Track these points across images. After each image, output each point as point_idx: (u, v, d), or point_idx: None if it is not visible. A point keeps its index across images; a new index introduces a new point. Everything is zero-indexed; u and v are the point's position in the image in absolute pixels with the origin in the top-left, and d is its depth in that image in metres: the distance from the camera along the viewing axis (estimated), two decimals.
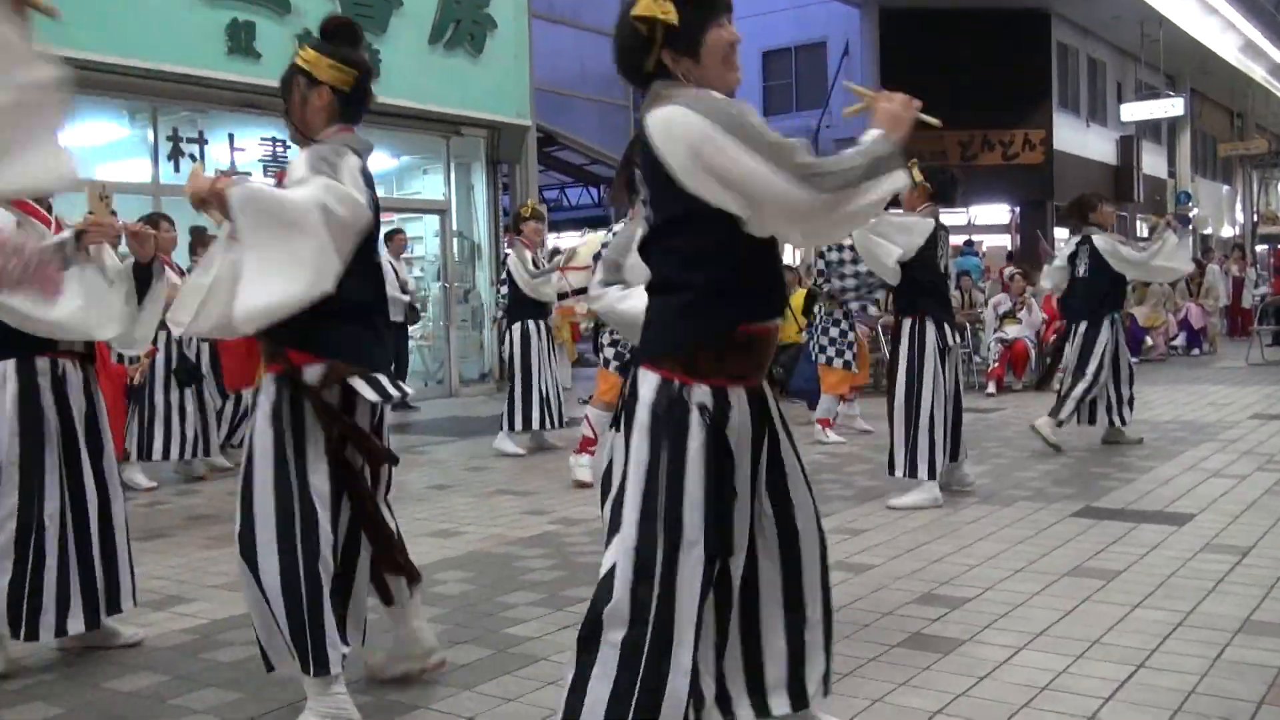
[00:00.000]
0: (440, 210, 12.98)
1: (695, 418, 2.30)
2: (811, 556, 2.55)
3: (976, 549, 4.94)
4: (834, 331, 8.66)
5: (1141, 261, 7.56)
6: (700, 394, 2.31)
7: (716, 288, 2.30)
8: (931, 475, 5.88)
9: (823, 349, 8.79)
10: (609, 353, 6.73)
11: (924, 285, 5.99)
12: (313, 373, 2.94)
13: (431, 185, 13.09)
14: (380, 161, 12.11)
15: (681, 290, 2.31)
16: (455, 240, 13.16)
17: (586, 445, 6.86)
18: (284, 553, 2.91)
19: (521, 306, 8.22)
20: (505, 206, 13.79)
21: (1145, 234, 17.92)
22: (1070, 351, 7.76)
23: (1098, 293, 7.63)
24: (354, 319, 2.97)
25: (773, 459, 2.53)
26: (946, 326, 6.01)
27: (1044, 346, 11.96)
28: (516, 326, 8.31)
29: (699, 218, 2.27)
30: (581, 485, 6.75)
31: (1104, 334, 7.61)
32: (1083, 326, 7.69)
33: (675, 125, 2.26)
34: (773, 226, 2.29)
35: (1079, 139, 25.34)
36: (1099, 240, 7.61)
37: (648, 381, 2.34)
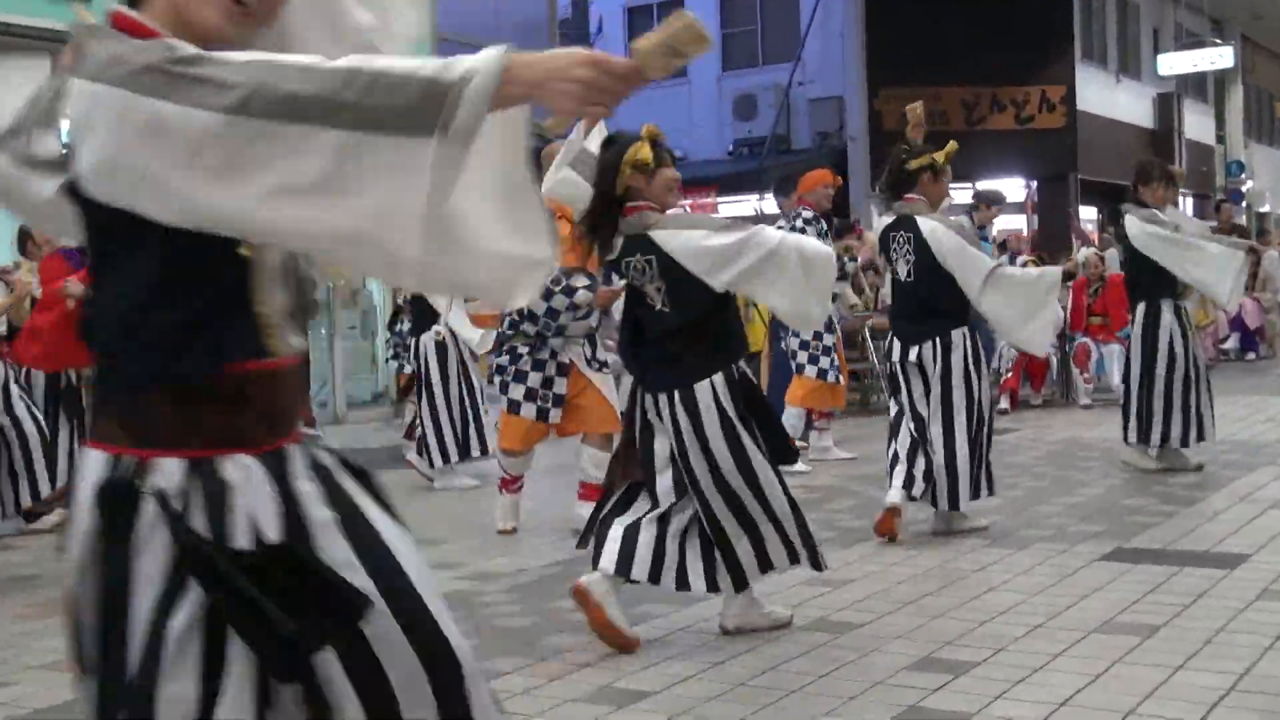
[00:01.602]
0: None
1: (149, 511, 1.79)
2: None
3: (986, 602, 5.01)
4: (805, 332, 8.74)
5: (1170, 242, 7.61)
6: (161, 473, 1.82)
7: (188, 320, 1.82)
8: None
9: (792, 354, 8.88)
10: (517, 392, 6.56)
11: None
12: None
13: None
14: None
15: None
16: None
17: (506, 485, 6.92)
18: None
19: (432, 310, 8.21)
20: None
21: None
22: (1133, 347, 7.92)
23: (1149, 273, 7.76)
24: None
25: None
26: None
27: (1066, 349, 12.13)
28: (427, 335, 8.31)
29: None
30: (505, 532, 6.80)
31: (1167, 318, 7.75)
32: (1140, 310, 7.85)
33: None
34: None
35: (1108, 97, 25.71)
36: (1129, 221, 7.75)
37: (87, 464, 1.85)
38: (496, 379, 6.68)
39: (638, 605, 5.09)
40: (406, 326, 8.92)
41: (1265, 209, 35.62)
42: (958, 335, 6.27)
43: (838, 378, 8.86)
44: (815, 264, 4.63)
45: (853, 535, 6.37)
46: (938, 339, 6.27)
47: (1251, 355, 16.34)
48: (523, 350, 6.54)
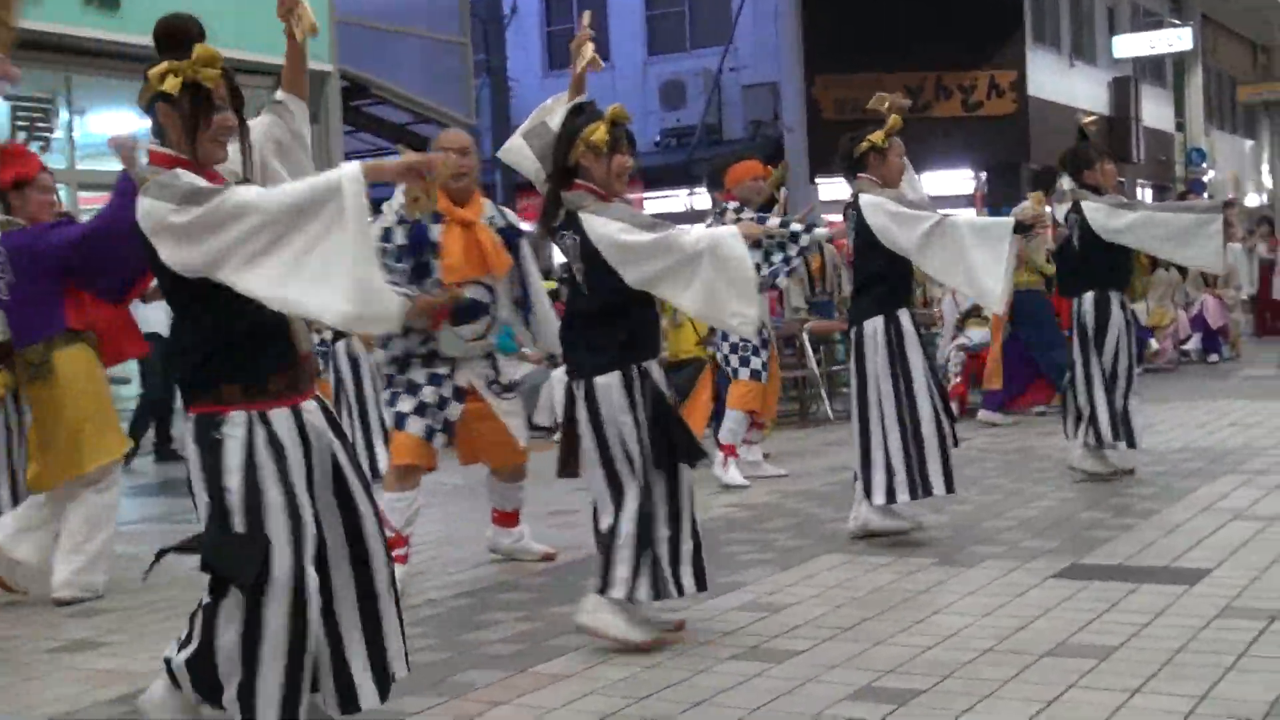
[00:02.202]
0: None
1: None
2: None
3: (932, 625, 5.04)
4: (735, 334, 8.80)
5: (1143, 224, 7.71)
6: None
7: None
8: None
9: (724, 358, 9.00)
10: (406, 405, 6.09)
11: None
12: None
13: None
14: (125, 121, 11.88)
15: None
16: None
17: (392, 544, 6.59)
18: None
19: None
20: None
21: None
22: (1075, 341, 8.05)
23: (1101, 264, 7.91)
24: None
25: None
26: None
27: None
28: (342, 345, 8.28)
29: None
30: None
31: (1117, 314, 7.92)
32: (1089, 301, 7.96)
33: None
34: None
35: (1061, 83, 26.06)
36: (1088, 208, 7.86)
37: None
38: (387, 392, 6.34)
39: (558, 636, 5.09)
40: (329, 334, 8.92)
41: (1228, 199, 36.10)
42: (871, 325, 6.51)
43: (764, 378, 8.94)
44: (730, 264, 4.68)
45: (791, 556, 6.40)
46: (854, 330, 6.65)
47: (1214, 357, 16.58)
48: (416, 365, 6.13)
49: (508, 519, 6.67)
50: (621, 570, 4.81)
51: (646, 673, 4.63)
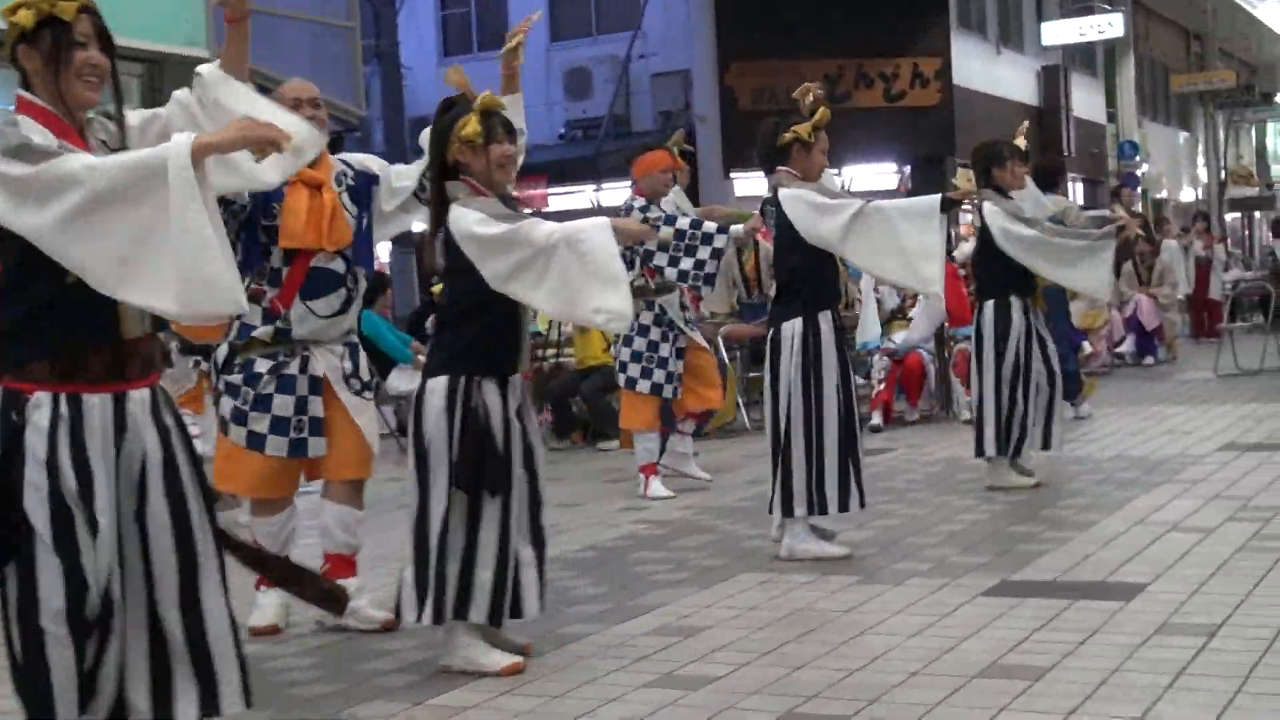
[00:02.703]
0: None
1: None
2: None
3: (856, 647, 5.08)
4: (639, 341, 8.79)
5: (1033, 244, 7.94)
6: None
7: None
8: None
9: (622, 365, 8.88)
10: (259, 422, 5.52)
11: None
12: None
13: None
14: None
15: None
16: None
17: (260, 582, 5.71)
18: None
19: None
20: None
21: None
22: (982, 348, 8.26)
23: (1001, 270, 8.12)
24: None
25: None
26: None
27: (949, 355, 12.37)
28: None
29: None
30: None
31: (1019, 321, 8.11)
32: (989, 309, 8.19)
33: None
34: None
35: (988, 71, 26.37)
36: (988, 210, 8.05)
37: None
38: (227, 403, 5.59)
39: (437, 679, 5.07)
40: None
41: (1162, 195, 36.74)
42: (789, 327, 6.58)
43: (675, 392, 8.86)
44: (590, 257, 4.62)
45: (707, 575, 6.42)
46: (772, 331, 6.71)
47: (1149, 360, 16.85)
48: (262, 368, 5.52)
49: (342, 566, 5.70)
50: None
51: (553, 703, 4.62)
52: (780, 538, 6.68)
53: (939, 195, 6.48)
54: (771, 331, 6.70)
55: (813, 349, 6.55)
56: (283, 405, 5.49)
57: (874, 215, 6.36)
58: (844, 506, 6.61)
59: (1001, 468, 8.30)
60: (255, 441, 5.50)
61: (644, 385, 8.79)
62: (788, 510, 6.59)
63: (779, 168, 6.71)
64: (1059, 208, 12.25)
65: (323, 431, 5.54)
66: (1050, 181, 12.20)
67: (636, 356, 8.80)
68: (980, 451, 8.30)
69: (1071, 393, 10.98)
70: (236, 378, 5.53)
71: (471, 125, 4.86)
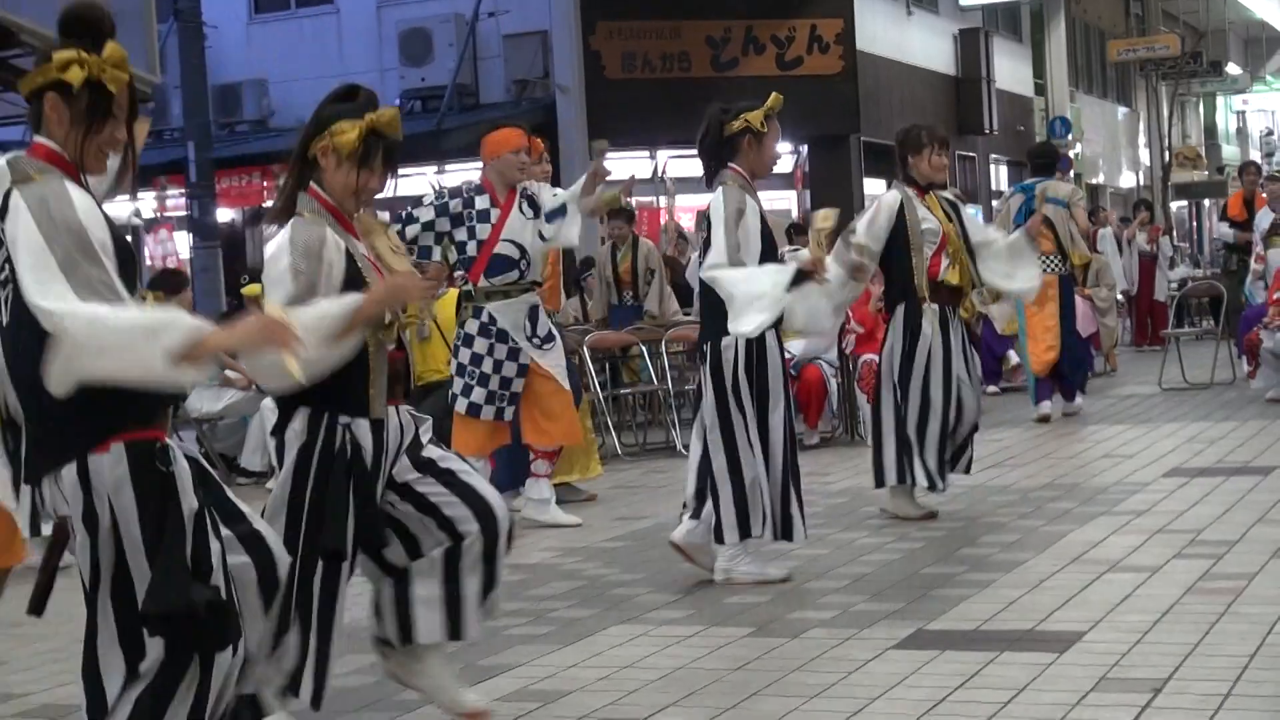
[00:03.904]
0: None
1: None
2: None
3: (747, 711, 5.10)
4: (464, 353, 8.70)
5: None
6: None
7: None
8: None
9: (452, 382, 8.78)
10: None
11: None
12: None
13: None
14: None
15: None
16: None
17: None
18: None
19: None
20: None
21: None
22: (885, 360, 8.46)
23: (907, 272, 8.32)
24: None
25: None
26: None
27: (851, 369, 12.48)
28: None
29: None
30: None
31: (926, 326, 8.29)
32: (899, 316, 8.36)
33: None
34: None
35: (897, 35, 26.66)
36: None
37: None
38: None
39: None
40: None
41: (1098, 180, 37.27)
42: (728, 342, 6.90)
43: (500, 414, 8.81)
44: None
45: (571, 630, 6.40)
46: (708, 344, 6.99)
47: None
48: None
49: None
50: None
51: None
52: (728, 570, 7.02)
53: (791, 269, 6.88)
54: (709, 346, 6.95)
55: (757, 366, 6.87)
56: None
57: (718, 279, 6.87)
58: (781, 534, 7.06)
59: (902, 494, 8.46)
60: None
61: (461, 405, 8.77)
62: (745, 532, 6.96)
63: (728, 165, 6.97)
64: (1060, 193, 12.80)
65: None
66: (1046, 168, 13.29)
67: (460, 371, 8.80)
68: (880, 482, 8.50)
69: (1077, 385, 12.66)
70: None
71: (351, 136, 4.73)
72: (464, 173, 22.12)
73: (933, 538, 8.00)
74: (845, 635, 6.02)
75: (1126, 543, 7.50)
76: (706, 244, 7.10)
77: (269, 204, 24.60)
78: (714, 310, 7.01)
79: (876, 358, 12.12)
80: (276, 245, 4.74)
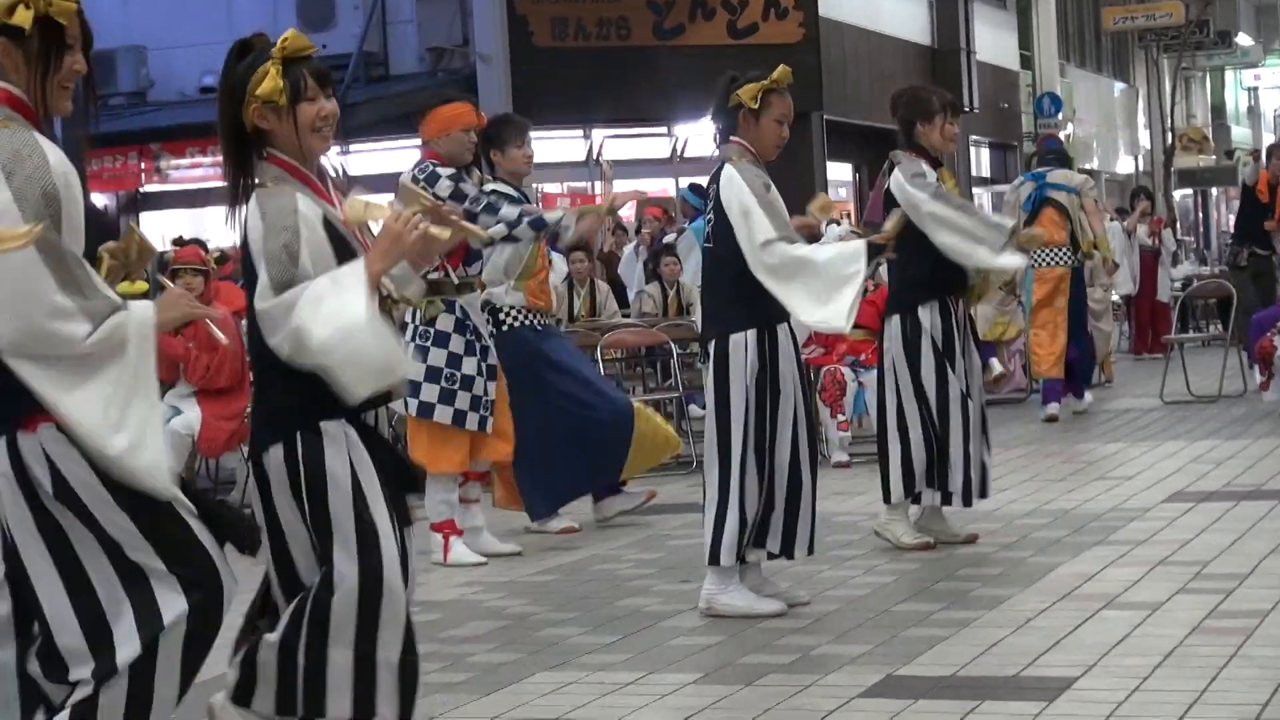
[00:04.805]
0: None
1: None
2: None
3: None
4: (437, 354, 8.65)
5: (924, 212, 8.11)
6: None
7: None
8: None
9: (414, 387, 8.57)
10: None
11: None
12: None
13: None
14: None
15: None
16: None
17: None
18: None
19: None
20: None
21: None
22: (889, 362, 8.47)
23: (914, 267, 8.23)
24: None
25: None
26: None
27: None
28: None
29: None
30: None
31: (926, 321, 8.28)
32: (893, 324, 8.35)
33: None
34: None
35: (864, 1, 26.66)
36: (894, 178, 8.26)
37: None
38: None
39: None
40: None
41: (1092, 165, 37.34)
42: (738, 340, 6.95)
43: (484, 424, 8.78)
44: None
45: (493, 676, 6.37)
46: (713, 343, 7.05)
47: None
48: None
49: None
50: None
51: None
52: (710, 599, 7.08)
53: (864, 242, 6.97)
54: (715, 345, 6.99)
55: (770, 366, 6.94)
56: None
57: (778, 255, 6.85)
58: (787, 551, 7.17)
59: (899, 516, 8.44)
60: None
61: (443, 413, 8.65)
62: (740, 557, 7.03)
63: (731, 138, 7.06)
64: (1072, 181, 12.96)
65: None
66: (1059, 160, 13.86)
67: (434, 375, 8.63)
68: (887, 498, 8.46)
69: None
70: None
71: (271, 79, 4.73)
72: (371, 154, 22.18)
73: (905, 571, 8.00)
74: (805, 682, 6.01)
75: (1124, 576, 7.52)
76: (716, 229, 7.04)
77: (146, 189, 24.66)
78: (720, 304, 7.07)
79: (839, 368, 12.25)
80: (249, 226, 4.69)
